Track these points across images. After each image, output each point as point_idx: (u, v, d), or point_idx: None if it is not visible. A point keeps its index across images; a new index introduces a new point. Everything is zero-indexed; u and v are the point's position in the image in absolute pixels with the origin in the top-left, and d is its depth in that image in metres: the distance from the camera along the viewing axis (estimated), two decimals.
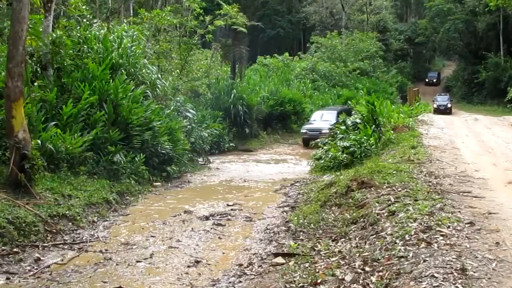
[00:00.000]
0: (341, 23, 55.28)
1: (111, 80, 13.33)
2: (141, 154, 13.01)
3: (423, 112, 19.96)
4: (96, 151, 12.08)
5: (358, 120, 15.54)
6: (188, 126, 17.27)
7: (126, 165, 12.48)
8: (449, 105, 41.10)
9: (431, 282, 4.54)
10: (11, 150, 9.23)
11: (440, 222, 6.06)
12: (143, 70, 15.62)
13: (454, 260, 4.95)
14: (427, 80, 61.04)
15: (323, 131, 21.78)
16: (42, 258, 7.54)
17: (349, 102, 22.75)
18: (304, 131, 25.15)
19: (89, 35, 14.20)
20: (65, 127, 11.59)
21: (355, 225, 7.36)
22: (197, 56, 28.42)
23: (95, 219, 9.79)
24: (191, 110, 18.39)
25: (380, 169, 9.62)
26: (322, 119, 25.28)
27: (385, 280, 4.96)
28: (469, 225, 6.02)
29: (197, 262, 7.36)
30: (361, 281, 5.20)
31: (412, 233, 5.87)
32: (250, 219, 10.02)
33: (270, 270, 6.51)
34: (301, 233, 7.98)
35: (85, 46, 13.84)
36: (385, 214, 6.96)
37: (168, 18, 21.58)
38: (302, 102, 29.36)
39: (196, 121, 18.59)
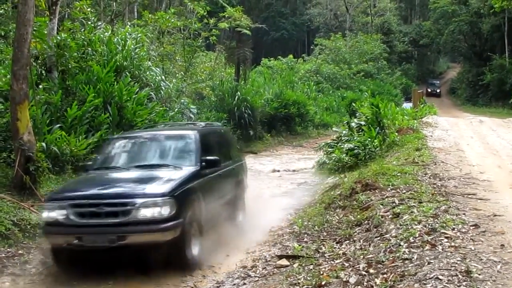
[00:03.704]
0: (345, 25, 55.29)
1: (115, 83, 13.35)
2: None
3: (427, 114, 19.90)
4: None
5: (362, 122, 15.52)
6: None
7: None
8: None
9: (435, 284, 4.52)
10: (16, 152, 9.27)
11: (444, 224, 6.04)
12: (147, 72, 15.64)
13: (458, 262, 4.93)
14: (429, 90, 53.35)
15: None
16: (47, 260, 7.56)
17: (353, 104, 22.51)
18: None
19: (94, 38, 14.24)
20: (69, 129, 11.62)
21: (360, 227, 7.34)
22: (201, 58, 28.44)
23: None
24: (193, 110, 18.43)
25: (384, 171, 9.60)
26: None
27: (389, 282, 4.94)
28: (473, 227, 6.00)
29: (201, 264, 7.37)
30: (365, 283, 5.19)
31: (417, 235, 5.85)
32: (254, 221, 10.01)
33: (274, 272, 6.51)
34: (305, 235, 7.97)
35: (90, 49, 13.87)
36: (390, 216, 6.94)
37: (172, 20, 21.58)
38: (307, 104, 29.29)
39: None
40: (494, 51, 45.99)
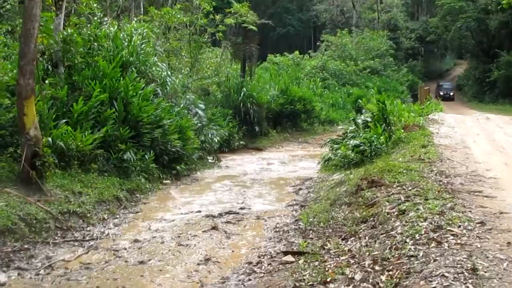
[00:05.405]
0: (351, 21, 55.13)
1: (121, 78, 13.37)
2: (151, 152, 13.06)
3: (434, 111, 19.80)
4: (107, 148, 12.13)
5: (368, 119, 15.47)
6: (198, 124, 17.30)
7: (136, 162, 12.52)
8: None
9: (441, 282, 4.51)
10: (23, 147, 9.30)
11: (450, 222, 6.02)
12: (153, 68, 15.65)
13: (464, 259, 4.92)
14: (441, 93, 47.59)
15: None
16: (52, 254, 7.60)
17: (359, 100, 22.37)
18: None
19: (100, 33, 14.26)
20: (75, 124, 11.65)
21: (365, 224, 7.33)
22: (207, 54, 28.45)
23: (106, 216, 9.84)
24: (200, 105, 18.38)
25: (390, 168, 9.56)
26: None
27: (395, 279, 4.94)
28: (480, 224, 5.98)
29: (207, 260, 7.39)
30: (370, 280, 5.18)
31: (423, 232, 5.83)
32: (259, 218, 10.02)
33: (280, 268, 6.51)
34: (311, 231, 7.97)
35: (96, 44, 13.90)
36: (395, 213, 6.93)
37: (178, 16, 21.60)
38: (312, 100, 29.22)
39: (206, 118, 18.60)
40: (502, 48, 45.63)
